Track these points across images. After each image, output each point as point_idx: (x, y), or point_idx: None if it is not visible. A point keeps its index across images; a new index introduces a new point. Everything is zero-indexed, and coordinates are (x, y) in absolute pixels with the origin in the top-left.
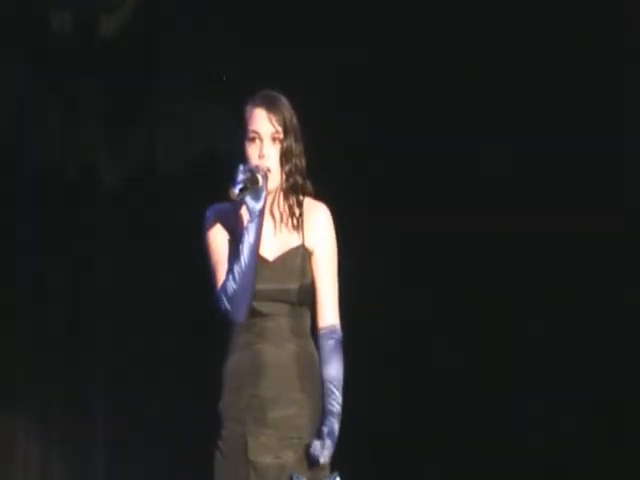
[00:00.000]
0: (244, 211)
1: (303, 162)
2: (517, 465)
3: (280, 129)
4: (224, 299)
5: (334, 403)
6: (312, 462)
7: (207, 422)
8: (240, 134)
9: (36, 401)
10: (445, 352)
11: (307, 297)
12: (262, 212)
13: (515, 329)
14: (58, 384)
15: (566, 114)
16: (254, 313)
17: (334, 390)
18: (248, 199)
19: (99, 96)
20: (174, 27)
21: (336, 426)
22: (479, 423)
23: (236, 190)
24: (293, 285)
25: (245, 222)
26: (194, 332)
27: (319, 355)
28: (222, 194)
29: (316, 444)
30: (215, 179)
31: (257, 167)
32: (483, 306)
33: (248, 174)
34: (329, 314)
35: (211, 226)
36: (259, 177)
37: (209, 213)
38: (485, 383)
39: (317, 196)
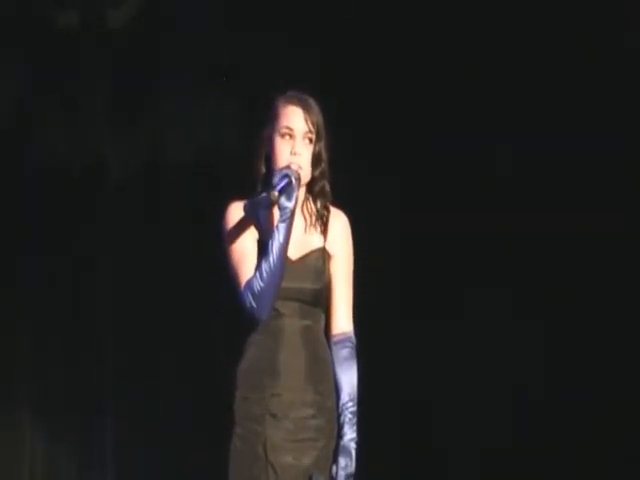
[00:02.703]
0: (266, 209)
1: (328, 170)
2: (517, 465)
3: (314, 130)
4: (250, 297)
5: (349, 432)
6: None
7: (211, 422)
8: (268, 129)
9: (38, 401)
10: (444, 351)
11: (322, 299)
12: (293, 212)
13: (515, 329)
14: (58, 384)
15: (566, 114)
16: (272, 312)
17: (350, 410)
18: (281, 199)
19: (100, 96)
20: (174, 27)
21: (353, 453)
22: (479, 423)
23: (277, 192)
24: (309, 285)
25: (275, 221)
26: (196, 331)
27: (333, 361)
28: (224, 193)
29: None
30: (217, 179)
31: (290, 167)
32: (483, 306)
33: (284, 176)
34: (343, 320)
35: (232, 223)
36: (292, 178)
37: (229, 210)
38: (485, 383)
39: (334, 203)
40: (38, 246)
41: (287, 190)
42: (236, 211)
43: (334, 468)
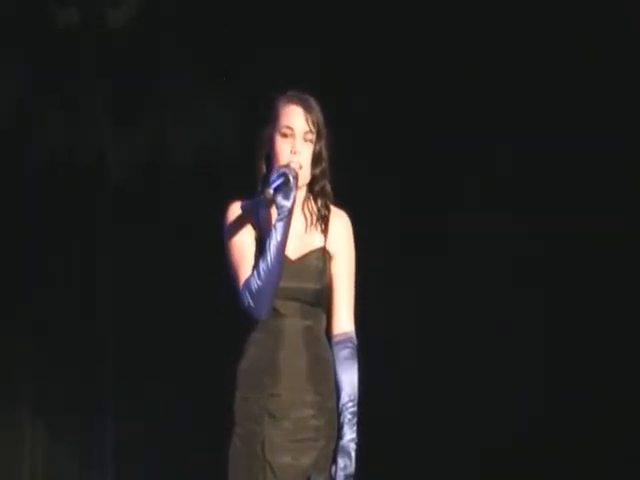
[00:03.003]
0: (266, 208)
1: (328, 167)
2: (517, 465)
3: (314, 130)
4: (247, 296)
5: (349, 432)
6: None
7: (211, 422)
8: (269, 129)
9: (38, 401)
10: (442, 351)
11: (323, 299)
12: (291, 211)
13: (515, 329)
14: (58, 384)
15: (566, 114)
16: (272, 312)
17: (350, 410)
18: (278, 198)
19: (100, 96)
20: (174, 27)
21: (353, 453)
22: (478, 423)
23: (271, 190)
24: (311, 285)
25: (273, 220)
26: (196, 331)
27: (334, 362)
28: (224, 193)
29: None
30: (217, 179)
31: (288, 166)
32: (482, 306)
33: (281, 175)
34: (344, 320)
35: (233, 223)
36: (290, 177)
37: (231, 210)
38: (484, 382)
39: (336, 203)
40: (38, 246)
41: (284, 189)
42: (236, 211)
43: (333, 468)
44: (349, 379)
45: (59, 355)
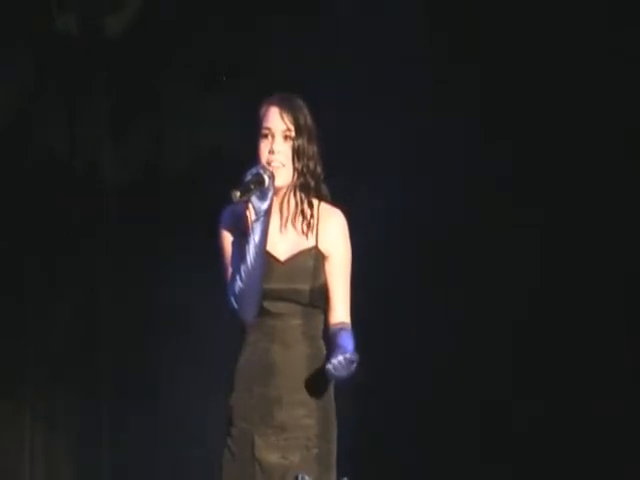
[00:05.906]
0: (251, 211)
1: (317, 164)
2: (517, 464)
3: (292, 127)
4: (232, 298)
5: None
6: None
7: (211, 422)
8: (255, 133)
9: (38, 401)
10: (440, 349)
11: (319, 299)
12: (268, 212)
13: (515, 329)
14: (58, 384)
15: (566, 114)
16: (264, 312)
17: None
18: (254, 199)
19: (100, 96)
20: (177, 27)
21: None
22: (477, 421)
23: (237, 193)
24: (304, 286)
25: (251, 222)
26: (196, 331)
27: (330, 343)
28: (224, 195)
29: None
30: (219, 179)
31: (264, 167)
32: (481, 305)
33: (254, 175)
34: (341, 313)
35: (224, 228)
36: (265, 177)
37: (223, 215)
38: (483, 382)
39: (333, 202)
40: (38, 246)
41: (261, 189)
42: (228, 216)
43: (331, 362)
44: (345, 343)
45: (59, 355)
